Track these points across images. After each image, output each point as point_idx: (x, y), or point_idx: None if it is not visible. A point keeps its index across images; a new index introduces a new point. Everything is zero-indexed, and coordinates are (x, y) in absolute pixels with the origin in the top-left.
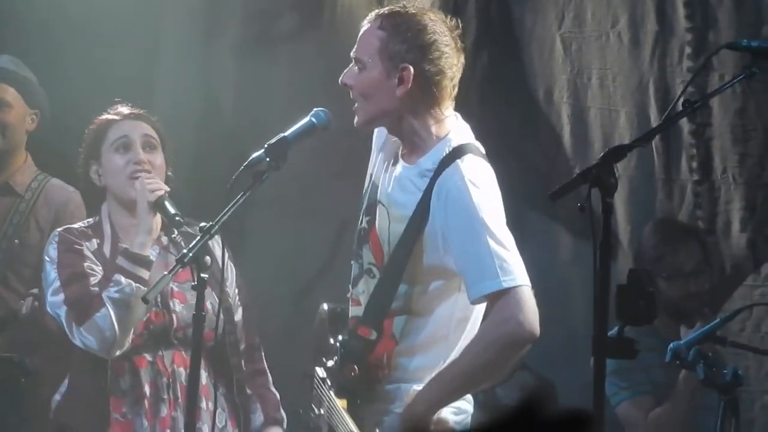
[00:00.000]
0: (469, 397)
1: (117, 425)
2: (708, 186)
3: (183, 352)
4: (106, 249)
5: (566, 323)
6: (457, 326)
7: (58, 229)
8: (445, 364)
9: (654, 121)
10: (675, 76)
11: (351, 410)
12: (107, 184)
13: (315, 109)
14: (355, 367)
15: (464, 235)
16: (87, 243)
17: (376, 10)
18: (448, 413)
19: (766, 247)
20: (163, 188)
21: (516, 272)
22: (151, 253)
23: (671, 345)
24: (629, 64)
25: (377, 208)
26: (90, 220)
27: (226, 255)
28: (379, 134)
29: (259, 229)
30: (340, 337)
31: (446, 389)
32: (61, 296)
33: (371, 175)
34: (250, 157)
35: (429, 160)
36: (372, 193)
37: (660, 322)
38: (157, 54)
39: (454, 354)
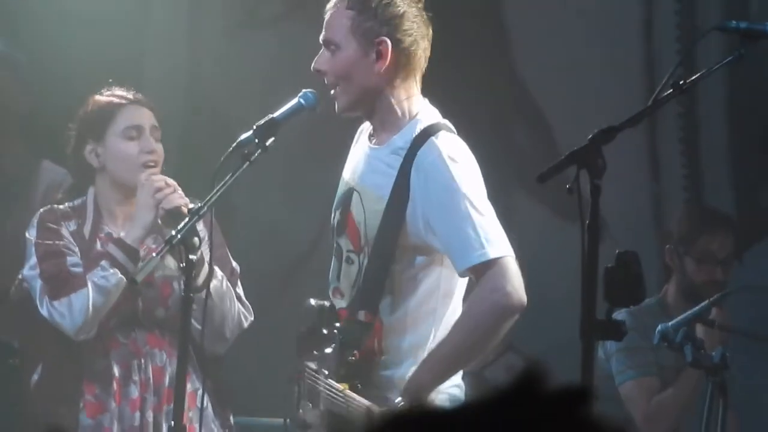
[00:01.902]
0: (461, 384)
1: (89, 406)
2: (695, 168)
3: (158, 333)
4: (86, 230)
5: (554, 305)
6: (442, 301)
7: (41, 209)
8: (435, 339)
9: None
10: (663, 58)
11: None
12: (108, 168)
13: (303, 90)
14: (355, 352)
15: (447, 211)
16: (66, 223)
17: None
18: (443, 402)
19: (751, 232)
20: (186, 202)
21: (500, 243)
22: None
23: (659, 327)
24: (618, 46)
25: (351, 196)
26: (76, 201)
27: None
28: (356, 135)
29: (246, 209)
30: (337, 325)
31: (441, 366)
32: (37, 270)
33: (342, 175)
34: (239, 138)
35: (401, 139)
36: (342, 186)
37: (674, 305)
38: (144, 37)
39: (443, 329)
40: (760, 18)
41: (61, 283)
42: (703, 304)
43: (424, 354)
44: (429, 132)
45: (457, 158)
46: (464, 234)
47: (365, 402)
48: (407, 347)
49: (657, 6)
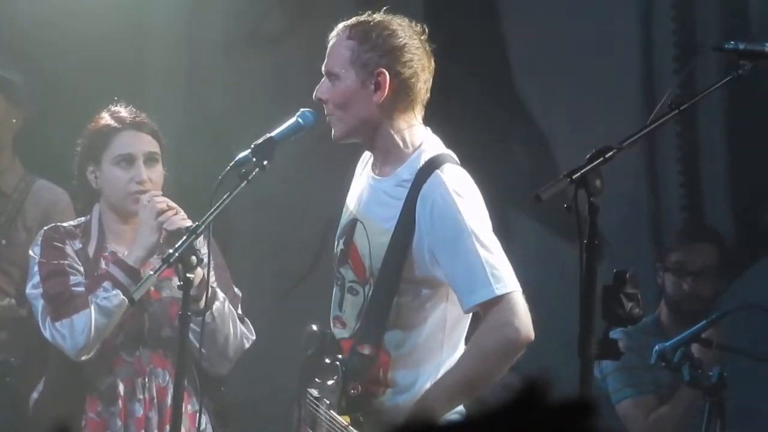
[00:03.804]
0: (462, 410)
1: (91, 424)
2: (694, 186)
3: (162, 353)
4: (90, 250)
5: (552, 324)
6: (449, 334)
7: (46, 227)
8: (441, 373)
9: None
10: (662, 78)
11: (355, 427)
12: (103, 192)
13: (302, 109)
14: (358, 386)
15: (453, 246)
16: (71, 242)
17: (343, 23)
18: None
19: (749, 251)
20: (188, 223)
21: (507, 278)
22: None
23: (657, 346)
24: (616, 66)
25: (355, 226)
26: (81, 219)
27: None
28: (359, 164)
29: (244, 229)
30: (339, 356)
31: (447, 395)
32: (40, 290)
33: (346, 204)
34: (237, 157)
35: (406, 171)
36: (346, 215)
37: (667, 323)
38: (143, 54)
39: (449, 362)
40: (759, 37)
41: (64, 304)
42: (700, 323)
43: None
44: (433, 164)
45: (462, 193)
46: (471, 270)
47: None
48: (411, 383)
49: (655, 24)
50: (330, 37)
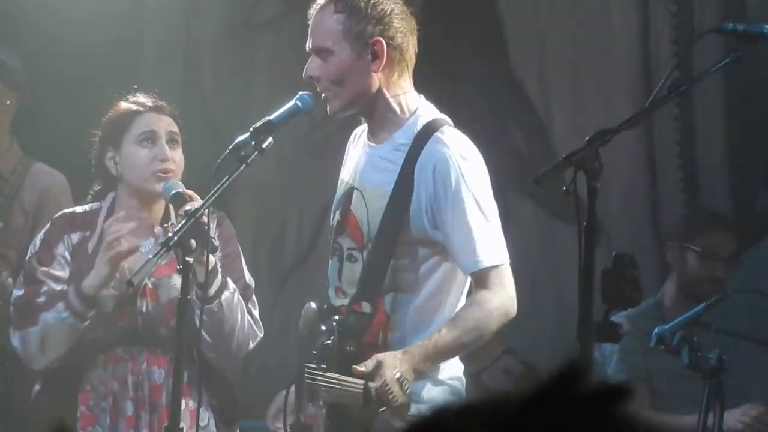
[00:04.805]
0: (462, 378)
1: (83, 417)
2: (691, 170)
3: (159, 352)
4: (91, 243)
5: (551, 307)
6: (447, 297)
7: (57, 214)
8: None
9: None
10: (660, 61)
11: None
12: (124, 175)
13: (300, 92)
14: (354, 343)
15: (456, 210)
16: (70, 235)
17: None
18: (444, 393)
19: (747, 234)
20: (134, 246)
21: (501, 249)
22: (145, 245)
23: (656, 330)
24: (615, 48)
25: (352, 194)
26: (94, 205)
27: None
28: (350, 141)
29: (241, 214)
30: (336, 317)
31: (436, 352)
32: (19, 291)
33: (341, 178)
34: (235, 140)
35: (403, 135)
36: (341, 188)
37: (671, 306)
38: (141, 38)
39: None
40: (757, 20)
41: (24, 315)
42: (699, 306)
43: None
44: (432, 127)
45: (466, 156)
46: (472, 235)
47: (360, 381)
48: (413, 342)
49: (654, 8)
50: (311, 15)
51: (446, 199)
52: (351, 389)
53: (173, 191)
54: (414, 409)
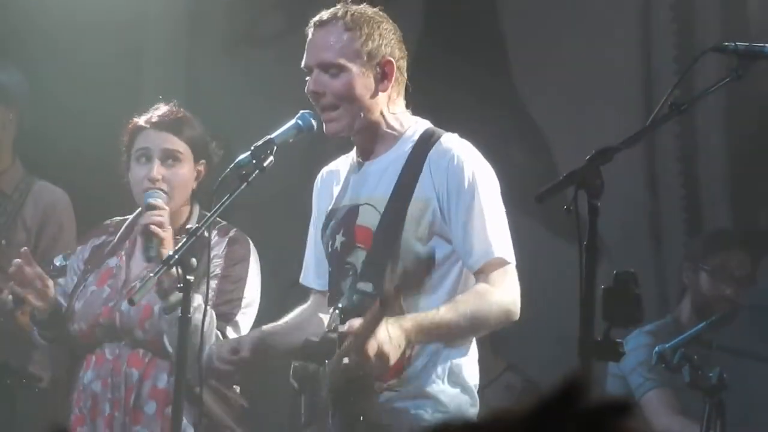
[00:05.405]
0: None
1: (74, 419)
2: (693, 187)
3: (141, 353)
4: (109, 247)
5: (552, 325)
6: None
7: (95, 242)
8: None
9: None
10: (662, 79)
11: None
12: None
13: (301, 111)
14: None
15: (467, 207)
16: (94, 239)
17: (326, 14)
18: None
19: (751, 251)
20: (47, 298)
21: (510, 248)
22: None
23: (656, 348)
24: (616, 66)
25: (357, 212)
26: (129, 216)
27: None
28: (317, 184)
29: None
30: (339, 304)
31: (431, 331)
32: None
33: (325, 212)
34: (237, 159)
35: (402, 145)
36: (338, 212)
37: (687, 323)
38: (142, 54)
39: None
40: (759, 38)
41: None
42: (700, 325)
43: None
44: (436, 132)
45: (478, 158)
46: (482, 232)
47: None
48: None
49: (655, 25)
50: (316, 30)
51: (459, 196)
52: (344, 347)
53: (146, 201)
54: (431, 408)
